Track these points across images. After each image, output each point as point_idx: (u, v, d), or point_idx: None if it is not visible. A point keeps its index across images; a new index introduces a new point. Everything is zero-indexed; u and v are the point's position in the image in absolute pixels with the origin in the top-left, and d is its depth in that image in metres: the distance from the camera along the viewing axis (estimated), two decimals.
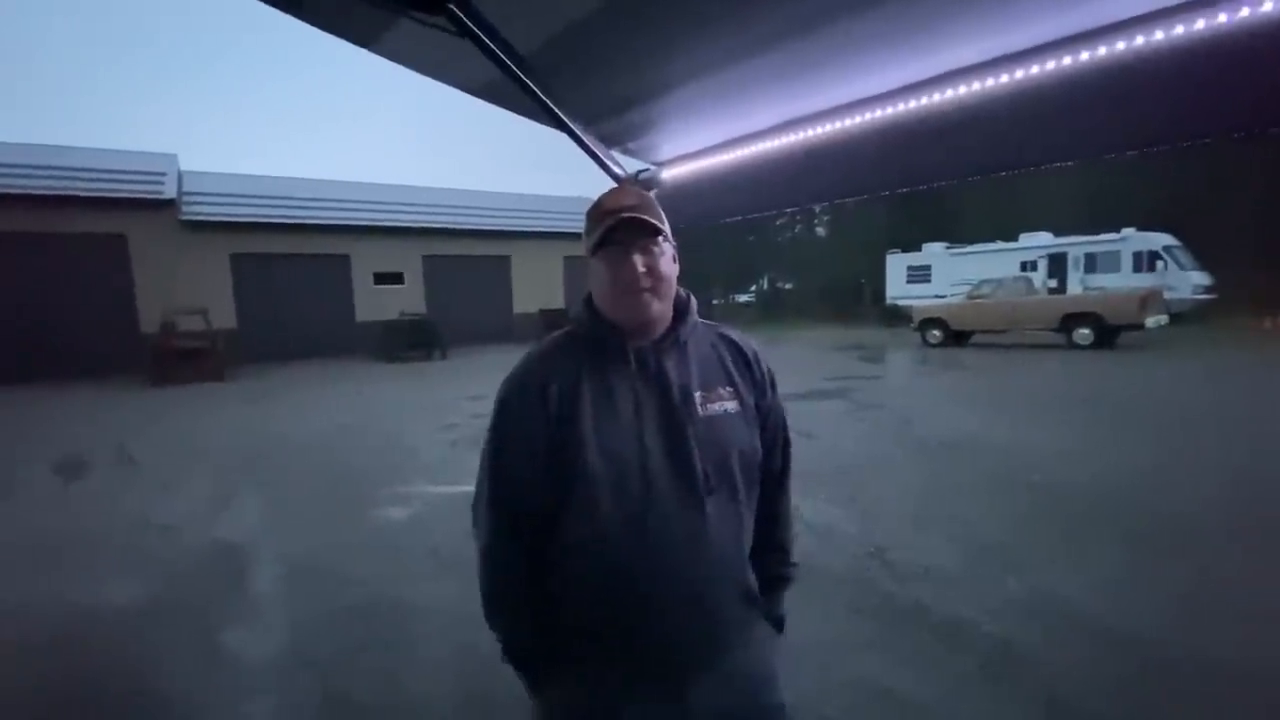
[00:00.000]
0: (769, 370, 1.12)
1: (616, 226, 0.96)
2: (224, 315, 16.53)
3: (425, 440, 6.86)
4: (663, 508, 0.94)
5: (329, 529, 4.23)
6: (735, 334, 1.13)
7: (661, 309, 1.01)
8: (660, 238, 0.99)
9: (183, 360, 13.05)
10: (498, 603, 1.05)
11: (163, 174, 16.94)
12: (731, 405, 1.03)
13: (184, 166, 19.03)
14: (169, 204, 16.20)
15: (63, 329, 14.74)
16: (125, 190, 15.73)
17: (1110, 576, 3.07)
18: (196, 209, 16.90)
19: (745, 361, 1.10)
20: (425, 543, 3.90)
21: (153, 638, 2.89)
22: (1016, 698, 2.21)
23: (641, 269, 0.96)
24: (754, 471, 1.06)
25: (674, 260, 1.02)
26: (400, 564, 3.61)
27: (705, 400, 1.01)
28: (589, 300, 1.05)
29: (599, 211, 0.99)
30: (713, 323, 1.13)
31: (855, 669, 2.41)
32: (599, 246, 0.98)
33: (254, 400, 10.50)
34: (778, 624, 1.13)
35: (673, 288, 1.02)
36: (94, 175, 15.64)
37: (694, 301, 1.07)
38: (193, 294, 15.66)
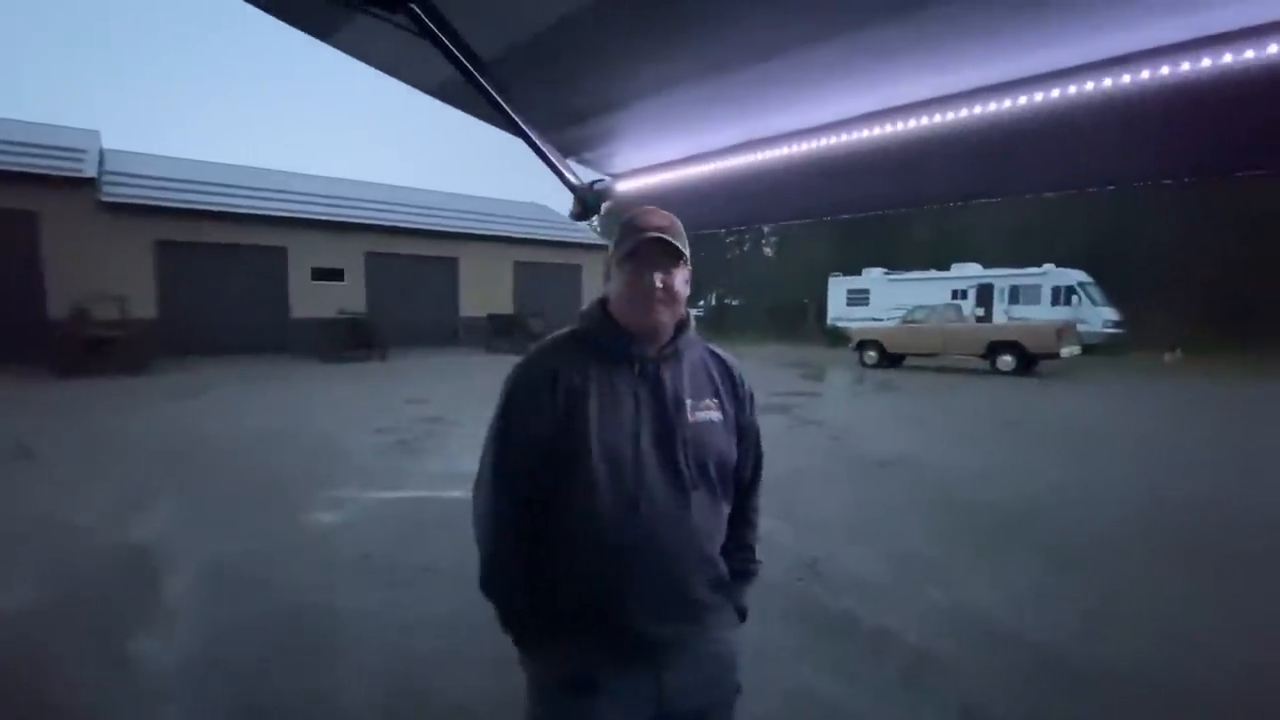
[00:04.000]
0: (750, 390, 1.25)
1: (647, 243, 1.07)
2: (145, 305, 15.49)
3: (360, 444, 6.63)
4: (652, 497, 1.06)
5: (253, 534, 4.02)
6: (724, 353, 1.26)
7: (669, 321, 1.11)
8: (681, 261, 1.10)
9: (94, 350, 12.13)
10: (497, 568, 1.12)
11: (83, 151, 15.88)
12: (716, 415, 1.16)
13: (108, 145, 17.89)
14: (88, 183, 15.13)
15: None
16: (39, 166, 14.59)
17: (1023, 589, 3.26)
18: (118, 190, 15.86)
19: (731, 378, 1.22)
20: (357, 549, 3.76)
21: (53, 645, 2.67)
22: (933, 704, 2.32)
23: (659, 284, 1.08)
24: (729, 476, 1.18)
25: (687, 282, 1.13)
26: (329, 570, 3.47)
27: (694, 408, 1.13)
28: (604, 303, 1.16)
29: (632, 227, 1.09)
30: (706, 341, 1.24)
31: (784, 674, 2.48)
32: (627, 258, 1.08)
33: (174, 396, 9.88)
34: (742, 614, 1.23)
35: (682, 304, 1.13)
36: (3, 147, 14.48)
37: (693, 319, 1.19)
38: (111, 280, 14.58)
